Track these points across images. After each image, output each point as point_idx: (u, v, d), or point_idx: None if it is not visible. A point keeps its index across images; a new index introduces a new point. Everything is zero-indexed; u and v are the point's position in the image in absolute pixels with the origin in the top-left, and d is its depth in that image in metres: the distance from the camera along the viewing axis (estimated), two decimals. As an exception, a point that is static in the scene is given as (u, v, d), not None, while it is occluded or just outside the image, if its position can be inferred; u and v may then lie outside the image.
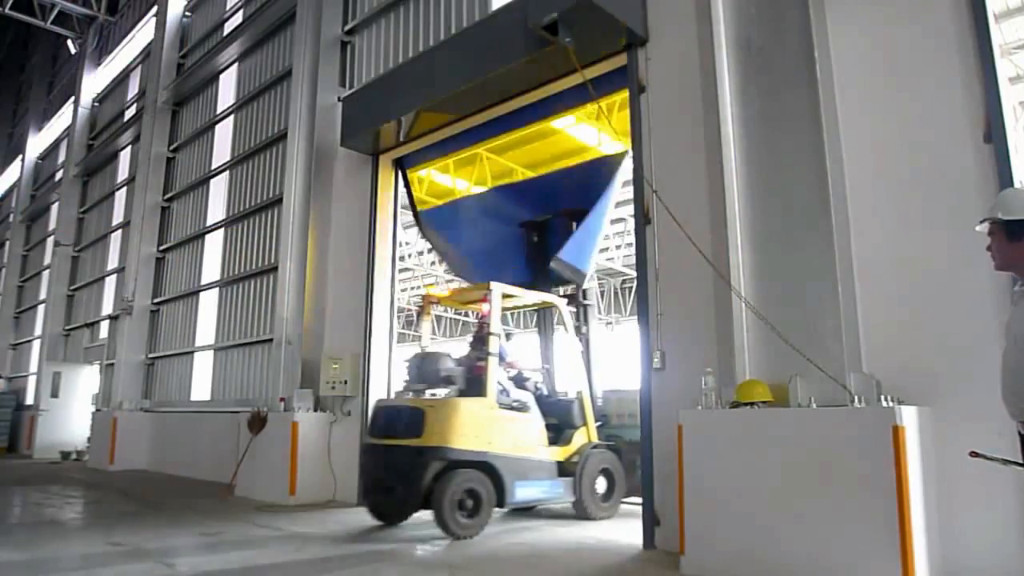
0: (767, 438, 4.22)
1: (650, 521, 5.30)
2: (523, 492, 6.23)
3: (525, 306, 8.02)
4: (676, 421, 4.62)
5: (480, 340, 6.68)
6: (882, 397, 3.97)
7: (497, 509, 6.11)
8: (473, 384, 6.36)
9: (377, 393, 8.22)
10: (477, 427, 5.97)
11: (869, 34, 4.71)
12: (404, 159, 8.90)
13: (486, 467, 5.98)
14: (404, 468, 5.85)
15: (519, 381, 7.08)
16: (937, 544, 3.86)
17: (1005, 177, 3.96)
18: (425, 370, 6.48)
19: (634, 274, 10.26)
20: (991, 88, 4.11)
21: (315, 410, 8.34)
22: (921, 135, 4.40)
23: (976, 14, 4.22)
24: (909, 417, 3.77)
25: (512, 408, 6.48)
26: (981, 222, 2.67)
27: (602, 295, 21.60)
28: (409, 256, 18.15)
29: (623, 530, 6.10)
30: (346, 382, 8.18)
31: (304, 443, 8.05)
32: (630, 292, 20.35)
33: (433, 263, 19.34)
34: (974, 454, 2.54)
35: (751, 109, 4.93)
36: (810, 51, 4.67)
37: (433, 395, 6.49)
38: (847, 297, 4.38)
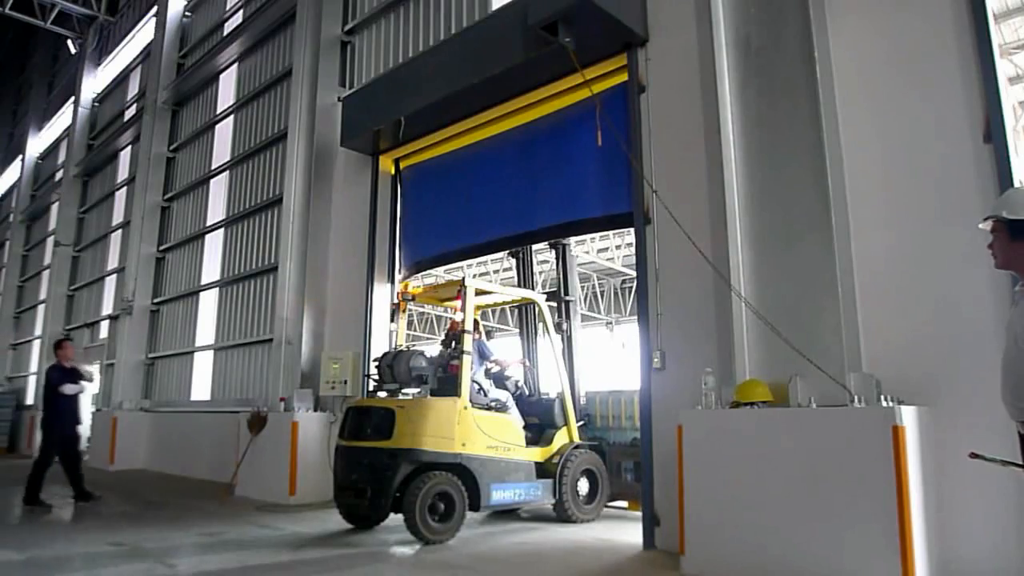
0: (767, 438, 4.22)
1: (650, 521, 5.31)
2: (500, 495, 6.01)
3: (504, 303, 7.59)
4: (676, 421, 4.63)
5: (453, 337, 6.42)
6: (882, 397, 3.97)
7: (472, 513, 5.93)
8: (446, 383, 6.12)
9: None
10: (450, 428, 5.75)
11: (868, 34, 4.71)
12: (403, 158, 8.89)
13: (459, 469, 5.79)
14: (374, 471, 5.63)
15: (499, 380, 6.89)
16: (937, 544, 3.86)
17: (1005, 177, 3.96)
18: (397, 369, 6.17)
19: (634, 274, 10.21)
20: (991, 88, 4.11)
21: (315, 410, 8.35)
22: (921, 135, 4.40)
23: (976, 14, 4.22)
24: (909, 417, 3.77)
25: (489, 408, 6.29)
26: (985, 219, 2.64)
27: (602, 295, 21.58)
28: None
29: (623, 530, 6.11)
30: (346, 382, 8.17)
31: (304, 443, 8.05)
32: (630, 292, 20.32)
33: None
34: (974, 455, 2.53)
35: (751, 109, 4.93)
36: (810, 51, 4.67)
37: (406, 395, 6.21)
38: (847, 297, 4.38)
